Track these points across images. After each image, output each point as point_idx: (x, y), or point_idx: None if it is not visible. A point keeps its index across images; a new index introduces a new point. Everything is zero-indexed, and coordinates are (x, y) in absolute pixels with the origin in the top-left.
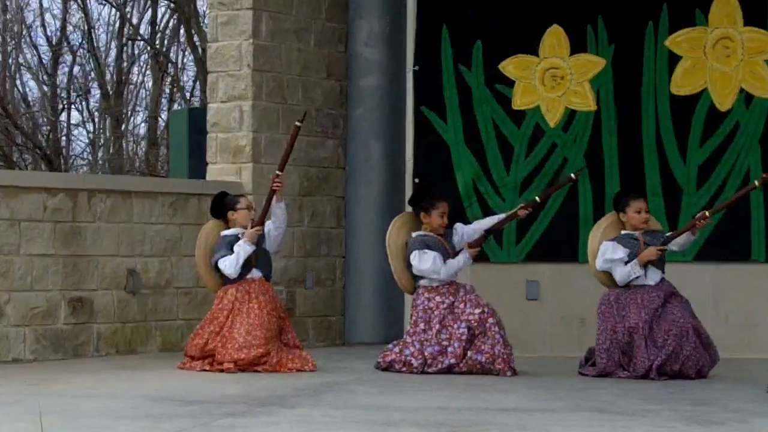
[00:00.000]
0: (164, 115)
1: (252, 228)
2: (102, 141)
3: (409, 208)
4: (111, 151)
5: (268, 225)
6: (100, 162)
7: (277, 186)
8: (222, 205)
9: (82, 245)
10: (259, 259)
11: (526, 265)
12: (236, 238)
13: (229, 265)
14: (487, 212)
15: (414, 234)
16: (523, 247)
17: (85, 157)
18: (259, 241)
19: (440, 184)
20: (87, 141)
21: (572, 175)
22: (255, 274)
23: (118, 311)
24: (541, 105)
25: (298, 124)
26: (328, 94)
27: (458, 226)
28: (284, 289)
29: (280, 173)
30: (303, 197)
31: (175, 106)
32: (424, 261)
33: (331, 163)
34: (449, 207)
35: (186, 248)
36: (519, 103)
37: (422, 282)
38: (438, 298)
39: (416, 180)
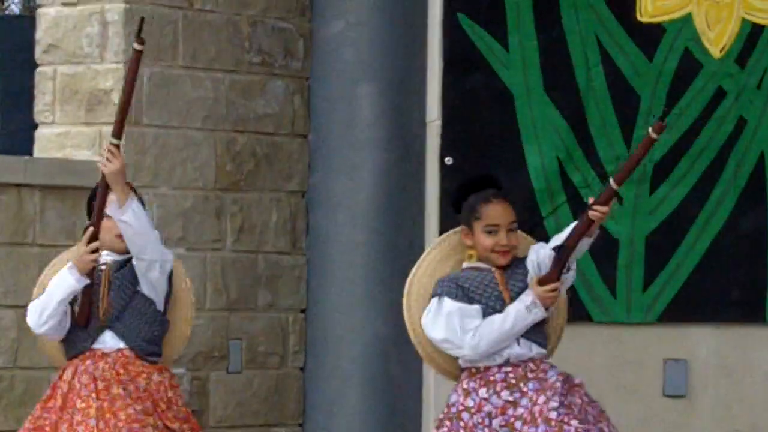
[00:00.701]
0: None
1: (87, 248)
2: None
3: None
4: None
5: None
6: None
7: (107, 164)
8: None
9: None
10: (123, 312)
11: (663, 329)
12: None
13: (33, 309)
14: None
15: (465, 265)
16: (658, 297)
17: None
18: (124, 279)
19: (494, 171)
20: None
21: (650, 130)
22: (108, 342)
23: None
24: (695, 15)
25: (137, 47)
26: None
27: (534, 249)
28: (186, 374)
29: (115, 143)
30: (223, 193)
31: None
32: (437, 321)
33: (281, 127)
34: (514, 214)
35: None
36: (651, 10)
37: (462, 360)
38: (483, 392)
39: (448, 159)
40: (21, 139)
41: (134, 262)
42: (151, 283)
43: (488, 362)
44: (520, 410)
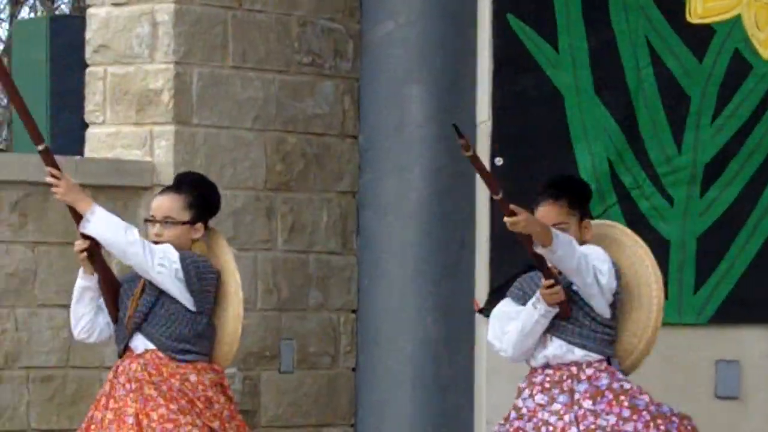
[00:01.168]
0: (2, 30)
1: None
2: None
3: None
4: None
5: None
6: None
7: (54, 185)
8: None
9: None
10: (149, 313)
11: (715, 330)
12: None
13: None
14: (637, 221)
15: None
16: (710, 298)
17: None
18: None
19: (544, 172)
20: None
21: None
22: (138, 343)
23: None
24: (745, 16)
25: None
26: None
27: None
28: (237, 374)
29: (40, 149)
30: (274, 193)
31: (23, 13)
32: (490, 323)
33: (331, 128)
34: (559, 216)
35: (46, 290)
36: (701, 11)
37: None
38: (527, 393)
39: (498, 160)
40: (72, 140)
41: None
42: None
43: (534, 363)
44: (545, 414)
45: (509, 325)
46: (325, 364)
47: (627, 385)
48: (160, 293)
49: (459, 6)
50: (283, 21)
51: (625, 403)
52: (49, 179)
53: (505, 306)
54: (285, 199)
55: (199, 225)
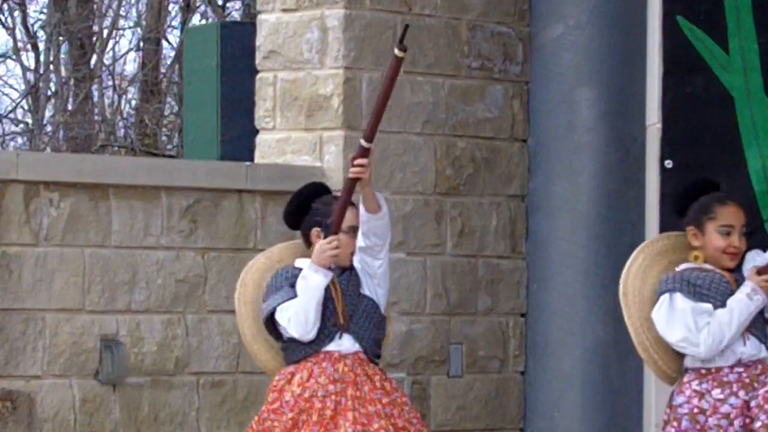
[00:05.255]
0: (173, 37)
1: (327, 243)
2: (53, 87)
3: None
4: (71, 105)
5: (359, 253)
6: (50, 127)
7: (358, 172)
8: (306, 208)
9: (12, 291)
10: (353, 315)
11: None
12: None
13: (295, 319)
14: None
15: (679, 268)
16: None
17: (20, 118)
18: (349, 283)
19: (714, 174)
20: (24, 88)
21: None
22: (346, 344)
23: (82, 419)
24: None
25: (398, 53)
26: None
27: (751, 257)
28: (407, 378)
29: (366, 145)
30: (443, 197)
31: (195, 20)
32: (672, 319)
33: (500, 131)
34: (745, 218)
35: (215, 296)
36: None
37: (688, 361)
38: (718, 393)
39: (668, 163)
40: (242, 145)
41: (365, 258)
42: (376, 280)
43: (721, 362)
44: (754, 410)
45: (703, 320)
46: (494, 368)
47: None
48: (359, 296)
49: (628, 8)
50: (453, 25)
51: None
52: (360, 160)
53: (687, 300)
54: (454, 203)
55: None
